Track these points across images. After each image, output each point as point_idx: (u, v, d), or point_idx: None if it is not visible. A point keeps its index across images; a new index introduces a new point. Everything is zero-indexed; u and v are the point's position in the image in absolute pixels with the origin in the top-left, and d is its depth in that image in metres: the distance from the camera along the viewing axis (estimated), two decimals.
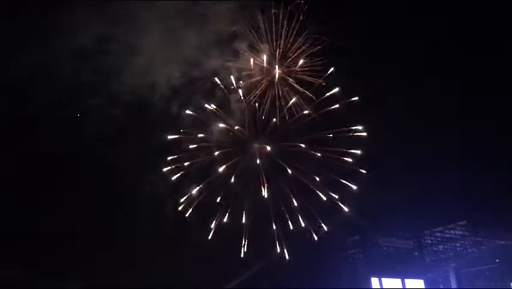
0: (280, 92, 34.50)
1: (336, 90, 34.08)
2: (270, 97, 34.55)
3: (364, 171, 34.89)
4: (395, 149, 40.43)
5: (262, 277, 37.12)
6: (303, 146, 34.37)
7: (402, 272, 51.97)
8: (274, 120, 34.48)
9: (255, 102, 34.54)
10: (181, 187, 34.99)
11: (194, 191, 34.36)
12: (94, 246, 36.03)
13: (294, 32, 33.45)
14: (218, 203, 34.43)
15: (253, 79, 34.67)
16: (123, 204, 35.66)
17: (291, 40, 33.70)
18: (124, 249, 36.38)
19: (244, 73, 34.50)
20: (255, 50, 33.90)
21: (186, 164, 34.69)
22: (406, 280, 51.06)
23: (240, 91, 34.10)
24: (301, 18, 32.86)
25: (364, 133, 34.87)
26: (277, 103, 34.40)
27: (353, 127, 34.73)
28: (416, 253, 57.40)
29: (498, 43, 38.56)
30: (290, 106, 34.42)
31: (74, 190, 35.82)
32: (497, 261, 54.49)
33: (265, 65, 33.94)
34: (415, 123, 40.38)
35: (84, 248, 35.89)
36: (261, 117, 34.80)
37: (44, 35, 30.33)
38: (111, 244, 36.36)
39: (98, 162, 35.58)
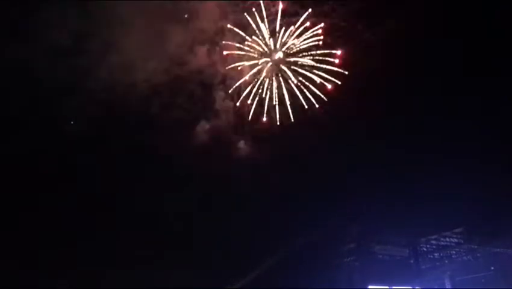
0: None
1: None
2: None
3: None
4: (391, 155, 40.90)
5: (262, 279, 37.16)
6: None
7: (397, 280, 51.98)
8: None
9: None
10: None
11: None
12: (93, 246, 35.91)
13: None
14: None
15: None
16: (123, 204, 35.67)
17: None
18: (125, 249, 36.28)
19: None
20: None
21: None
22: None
23: None
24: None
25: None
26: None
27: None
28: (412, 261, 57.42)
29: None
30: None
31: (74, 190, 35.82)
32: (492, 268, 54.73)
33: None
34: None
35: (83, 248, 35.78)
36: None
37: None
38: (110, 245, 36.26)
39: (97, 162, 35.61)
